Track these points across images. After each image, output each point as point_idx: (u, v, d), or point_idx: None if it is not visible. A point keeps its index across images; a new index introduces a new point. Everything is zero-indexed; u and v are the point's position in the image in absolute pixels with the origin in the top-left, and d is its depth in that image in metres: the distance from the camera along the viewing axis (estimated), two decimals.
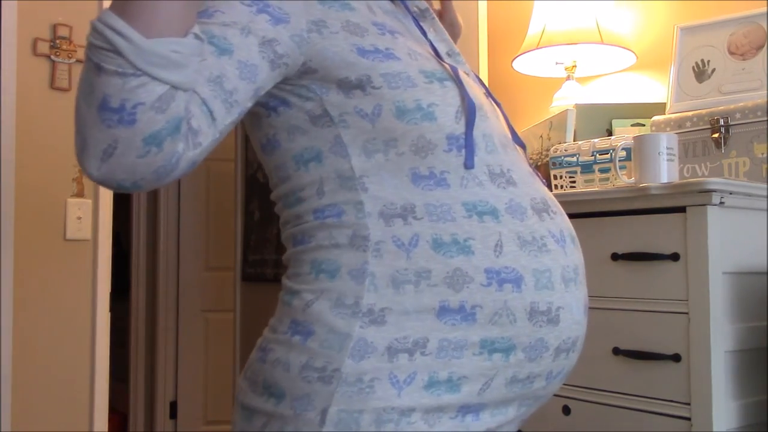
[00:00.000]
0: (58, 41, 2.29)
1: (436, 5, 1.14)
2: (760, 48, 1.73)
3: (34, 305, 2.23)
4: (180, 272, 3.88)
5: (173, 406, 3.83)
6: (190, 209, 3.91)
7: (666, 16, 2.09)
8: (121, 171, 0.70)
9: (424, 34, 0.94)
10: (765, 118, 1.55)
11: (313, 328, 0.79)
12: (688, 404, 1.31)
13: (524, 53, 2.13)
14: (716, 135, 1.61)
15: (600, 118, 1.90)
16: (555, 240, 0.85)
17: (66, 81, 2.31)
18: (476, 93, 0.88)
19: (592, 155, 1.60)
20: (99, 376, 2.34)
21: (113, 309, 2.44)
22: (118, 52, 0.67)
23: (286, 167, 0.86)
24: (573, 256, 0.88)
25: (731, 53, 1.77)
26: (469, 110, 0.84)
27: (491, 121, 0.88)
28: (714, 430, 1.28)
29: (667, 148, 1.40)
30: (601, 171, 1.59)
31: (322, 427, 0.76)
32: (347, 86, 0.82)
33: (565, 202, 1.47)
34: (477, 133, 0.84)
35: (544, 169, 1.82)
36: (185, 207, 3.91)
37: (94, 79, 0.68)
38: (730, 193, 1.33)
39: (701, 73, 1.81)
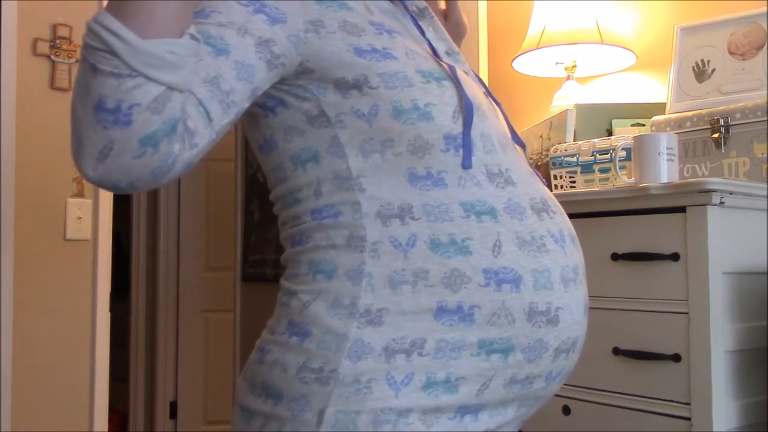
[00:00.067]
0: (58, 41, 2.29)
1: (441, 5, 1.14)
2: (760, 48, 1.73)
3: (34, 305, 2.23)
4: (180, 272, 3.88)
5: (173, 406, 3.83)
6: (190, 209, 3.92)
7: (666, 16, 2.09)
8: (117, 172, 0.70)
9: (423, 33, 0.93)
10: (765, 118, 1.55)
11: (310, 329, 0.79)
12: (688, 404, 1.31)
13: (524, 53, 2.13)
14: (716, 135, 1.61)
15: (600, 118, 1.90)
16: (554, 240, 0.85)
17: (66, 81, 2.31)
18: (475, 92, 0.88)
19: (592, 155, 1.60)
20: (99, 376, 2.34)
21: (113, 309, 2.44)
22: (113, 53, 0.67)
23: (284, 168, 0.86)
24: (573, 256, 0.87)
25: (731, 53, 1.77)
26: (466, 110, 0.83)
27: (490, 121, 0.88)
28: (714, 430, 1.28)
29: (667, 148, 1.40)
30: (601, 171, 1.59)
31: (320, 427, 0.76)
32: (344, 86, 0.82)
33: (565, 202, 1.47)
34: (475, 132, 0.84)
35: (544, 169, 1.82)
36: (185, 207, 3.91)
37: (89, 79, 0.68)
38: (730, 193, 1.33)
39: (701, 73, 1.81)
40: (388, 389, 0.77)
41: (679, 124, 1.68)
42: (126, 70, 0.67)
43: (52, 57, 2.29)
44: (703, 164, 1.64)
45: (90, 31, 0.68)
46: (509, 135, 0.93)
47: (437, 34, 0.99)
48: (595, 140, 1.62)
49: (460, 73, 0.89)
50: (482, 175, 0.83)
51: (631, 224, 1.41)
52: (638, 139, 1.42)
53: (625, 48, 2.03)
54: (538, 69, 2.25)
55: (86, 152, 0.69)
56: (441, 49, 0.96)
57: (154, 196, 3.93)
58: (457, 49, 0.99)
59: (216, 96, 0.74)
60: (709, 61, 1.80)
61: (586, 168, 1.62)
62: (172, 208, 3.90)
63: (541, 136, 1.91)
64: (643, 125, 1.86)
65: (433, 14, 1.00)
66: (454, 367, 0.78)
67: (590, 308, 1.34)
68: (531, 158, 1.92)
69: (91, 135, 0.68)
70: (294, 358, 0.79)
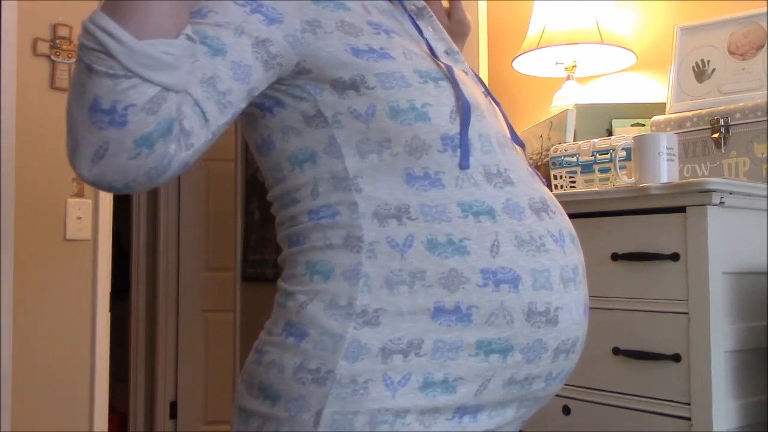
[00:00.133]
0: (58, 41, 2.29)
1: (445, 3, 1.13)
2: (760, 48, 1.73)
3: (34, 305, 2.23)
4: (180, 272, 3.88)
5: (173, 406, 3.83)
6: (190, 209, 3.92)
7: (666, 16, 2.09)
8: (113, 172, 0.70)
9: (421, 33, 0.93)
10: (765, 118, 1.55)
11: (307, 329, 0.79)
12: (688, 404, 1.31)
13: (524, 53, 2.13)
14: (716, 135, 1.61)
15: (600, 118, 1.90)
16: (554, 240, 0.85)
17: (66, 81, 2.31)
18: (473, 92, 0.88)
19: (592, 155, 1.60)
20: (99, 376, 2.34)
21: (113, 309, 2.44)
22: (108, 54, 0.67)
23: (281, 168, 0.86)
24: (572, 255, 0.87)
25: (731, 53, 1.77)
26: (463, 110, 0.83)
27: (488, 121, 0.87)
28: (714, 430, 1.28)
29: (667, 148, 1.40)
30: (601, 171, 1.59)
31: (317, 428, 0.76)
32: (341, 86, 0.82)
33: (565, 202, 1.47)
34: (473, 133, 0.84)
35: (544, 169, 1.82)
36: (185, 207, 3.91)
37: (85, 80, 0.68)
38: (730, 193, 1.33)
39: (701, 73, 1.81)
40: (385, 390, 0.76)
41: (679, 124, 1.68)
42: (121, 71, 0.67)
43: (52, 57, 2.29)
44: (703, 164, 1.63)
45: (85, 31, 0.68)
46: (508, 135, 0.93)
47: (436, 33, 0.98)
48: (595, 140, 1.62)
49: (458, 72, 0.89)
50: (480, 176, 0.83)
51: (631, 224, 1.41)
52: (638, 139, 1.42)
53: (625, 48, 2.03)
54: (538, 69, 2.25)
55: (81, 153, 0.69)
56: (440, 48, 0.96)
57: (154, 196, 3.93)
58: (456, 48, 0.99)
59: (212, 96, 0.74)
60: (709, 61, 1.80)
61: (586, 168, 1.62)
62: (172, 208, 3.90)
63: (541, 136, 1.91)
64: (643, 125, 1.86)
65: (432, 14, 1.00)
66: (452, 368, 0.78)
67: (590, 308, 1.34)
68: (531, 158, 1.92)
69: (87, 135, 0.68)
70: (291, 359, 0.79)
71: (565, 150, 1.67)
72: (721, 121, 1.60)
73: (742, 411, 1.34)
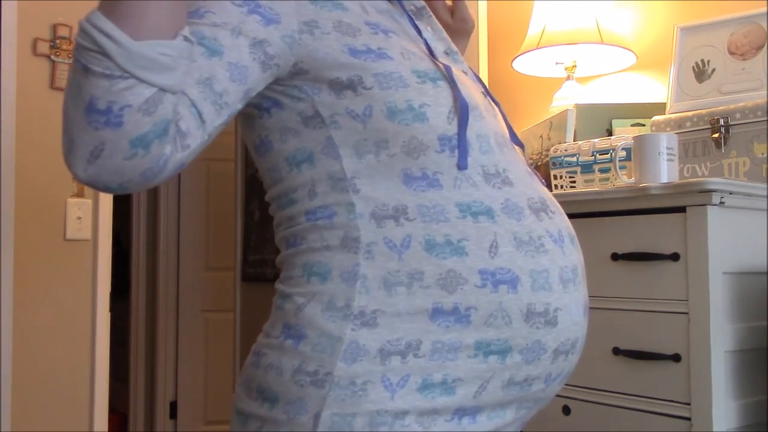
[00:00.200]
0: (58, 41, 2.29)
1: (449, 1, 1.13)
2: (760, 48, 1.73)
3: (34, 305, 2.23)
4: (180, 272, 3.88)
5: (173, 406, 3.83)
6: (190, 209, 3.92)
7: (666, 16, 2.09)
8: (108, 173, 0.69)
9: (420, 33, 0.93)
10: (765, 118, 1.55)
11: (305, 331, 0.79)
12: (688, 404, 1.31)
13: (524, 53, 2.13)
14: (716, 135, 1.61)
15: (600, 118, 1.90)
16: (553, 240, 0.84)
17: (66, 81, 2.31)
18: (472, 92, 0.88)
19: (592, 155, 1.60)
20: (99, 376, 2.34)
21: (113, 309, 2.44)
22: (105, 54, 0.66)
23: (279, 169, 0.86)
24: (572, 256, 0.87)
25: (731, 53, 1.77)
26: (461, 111, 0.83)
27: (487, 121, 0.87)
28: (714, 430, 1.28)
29: (667, 148, 1.40)
30: (601, 171, 1.59)
31: (316, 429, 0.76)
32: (338, 87, 0.81)
33: (565, 202, 1.47)
34: (471, 133, 0.84)
35: (544, 169, 1.82)
36: (185, 207, 3.91)
37: (81, 80, 0.68)
38: (730, 193, 1.33)
39: (701, 73, 1.81)
40: (383, 391, 0.76)
41: (679, 124, 1.68)
42: (118, 72, 0.66)
43: (52, 57, 2.29)
44: (703, 164, 1.63)
45: (82, 31, 0.67)
46: (507, 135, 0.92)
47: (435, 33, 0.98)
48: (595, 140, 1.62)
49: (457, 72, 0.89)
50: (478, 176, 0.83)
51: (631, 224, 1.41)
52: (638, 139, 1.42)
53: (625, 48, 2.03)
54: (538, 69, 2.25)
55: (77, 152, 0.69)
56: (439, 48, 0.96)
57: (154, 196, 3.93)
58: (455, 48, 0.99)
59: (209, 97, 0.74)
60: (709, 61, 1.80)
61: (586, 168, 1.62)
62: (172, 208, 3.90)
63: (541, 136, 1.91)
64: (643, 125, 1.86)
65: (431, 13, 1.00)
66: (451, 369, 0.78)
67: (590, 308, 1.34)
68: (531, 158, 1.92)
69: (82, 135, 0.68)
70: (289, 361, 0.78)
71: (565, 150, 1.67)
72: (721, 121, 1.60)
73: (742, 411, 1.34)
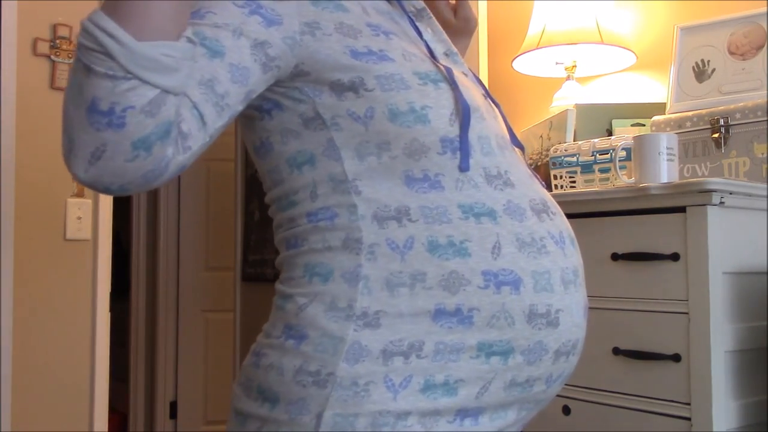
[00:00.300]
0: (58, 41, 2.29)
1: (452, 0, 1.13)
2: (760, 48, 1.73)
3: (34, 305, 2.23)
4: (180, 272, 3.88)
5: (173, 406, 3.83)
6: (190, 209, 3.92)
7: (666, 16, 2.09)
8: (109, 174, 0.69)
9: (420, 34, 0.93)
10: (765, 118, 1.55)
11: (307, 332, 0.78)
12: (688, 404, 1.31)
13: (524, 53, 2.13)
14: (716, 135, 1.61)
15: (600, 118, 1.90)
16: (554, 241, 0.84)
17: (66, 81, 2.31)
18: (473, 94, 0.87)
19: (592, 155, 1.60)
20: (99, 376, 2.34)
21: (113, 309, 2.44)
22: (108, 54, 0.66)
23: (280, 170, 0.85)
24: (572, 257, 0.87)
25: (731, 53, 1.77)
26: (463, 113, 0.83)
27: (488, 123, 0.87)
28: (714, 430, 1.28)
29: (667, 148, 1.40)
30: (601, 171, 1.59)
31: (318, 429, 0.75)
32: (340, 88, 0.81)
33: (565, 202, 1.47)
34: (472, 135, 0.83)
35: (544, 169, 1.82)
36: (185, 207, 3.91)
37: (83, 80, 0.67)
38: (730, 193, 1.33)
39: (701, 73, 1.81)
40: (386, 392, 0.76)
41: (679, 124, 1.68)
42: (121, 72, 0.66)
43: (52, 57, 2.29)
44: (703, 164, 1.63)
45: (84, 31, 0.67)
46: (508, 137, 0.92)
47: (435, 35, 0.98)
48: (595, 140, 1.62)
49: (457, 74, 0.89)
50: (480, 178, 0.82)
51: (631, 224, 1.41)
52: (638, 139, 1.42)
53: (625, 48, 2.03)
54: (538, 69, 2.25)
55: (77, 153, 0.68)
56: (439, 50, 0.95)
57: (154, 196, 3.93)
58: (455, 49, 0.98)
59: (210, 99, 0.73)
60: (709, 61, 1.80)
61: (586, 168, 1.62)
62: (172, 208, 3.90)
63: (541, 136, 1.91)
64: (643, 125, 1.86)
65: (432, 15, 1.00)
66: (453, 370, 0.78)
67: (590, 308, 1.34)
68: (531, 158, 1.92)
69: (83, 136, 0.67)
70: (290, 362, 0.78)
71: (565, 150, 1.67)
72: (721, 121, 1.60)
73: (742, 411, 1.34)
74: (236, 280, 3.51)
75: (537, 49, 2.08)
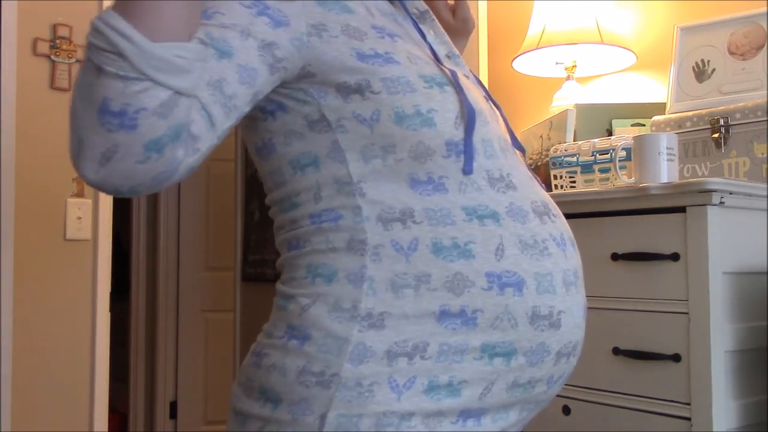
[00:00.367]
0: (58, 41, 2.29)
1: (451, 1, 1.13)
2: (760, 48, 1.73)
3: (34, 305, 2.23)
4: (180, 272, 3.87)
5: (173, 406, 3.83)
6: (190, 209, 3.91)
7: (666, 16, 2.09)
8: (119, 176, 0.68)
9: (424, 37, 0.93)
10: (765, 118, 1.55)
11: (310, 332, 0.78)
12: (688, 404, 1.31)
13: (524, 53, 2.13)
14: (716, 135, 1.61)
15: (600, 118, 1.90)
16: (556, 243, 0.85)
17: (66, 81, 2.31)
18: (476, 97, 0.88)
19: (592, 155, 1.60)
20: (99, 376, 2.34)
21: (113, 309, 2.43)
22: (120, 55, 0.65)
23: (282, 172, 0.85)
24: (573, 259, 0.87)
25: (731, 53, 1.77)
26: (468, 116, 0.83)
27: (491, 126, 0.87)
28: (714, 430, 1.28)
29: (667, 148, 1.40)
30: (601, 171, 1.59)
31: (322, 429, 0.75)
32: (346, 91, 0.81)
33: (565, 202, 1.47)
34: (476, 138, 0.83)
35: (544, 169, 1.82)
36: (185, 207, 3.91)
37: (93, 80, 0.66)
38: (730, 193, 1.33)
39: (701, 73, 1.81)
40: (390, 393, 0.76)
41: (679, 124, 1.68)
42: (133, 73, 0.65)
43: (52, 57, 2.28)
44: (703, 164, 1.64)
45: (95, 30, 0.66)
46: (509, 139, 0.93)
47: (438, 37, 0.98)
48: (595, 140, 1.62)
49: (461, 78, 0.88)
50: (483, 180, 0.83)
51: (631, 224, 1.41)
52: (638, 139, 1.42)
53: (625, 48, 2.03)
54: (538, 69, 2.25)
55: (87, 154, 0.67)
56: (441, 52, 0.95)
57: (154, 196, 3.93)
58: (457, 51, 0.99)
59: (219, 100, 0.73)
60: (709, 61, 1.80)
61: (586, 168, 1.62)
62: (172, 208, 3.90)
63: (541, 136, 1.91)
64: (643, 125, 1.86)
65: (434, 17, 1.00)
66: (457, 371, 0.78)
67: (590, 308, 1.34)
68: (531, 158, 1.92)
69: (94, 137, 0.66)
70: (293, 362, 0.78)
71: (565, 150, 1.67)
72: (721, 121, 1.60)
73: (742, 411, 1.34)
74: (236, 280, 3.51)
75: (537, 49, 2.08)
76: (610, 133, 1.89)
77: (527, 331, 0.80)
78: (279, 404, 0.78)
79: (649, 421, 1.36)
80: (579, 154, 1.63)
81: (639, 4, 2.16)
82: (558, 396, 1.50)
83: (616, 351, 1.41)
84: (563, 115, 1.83)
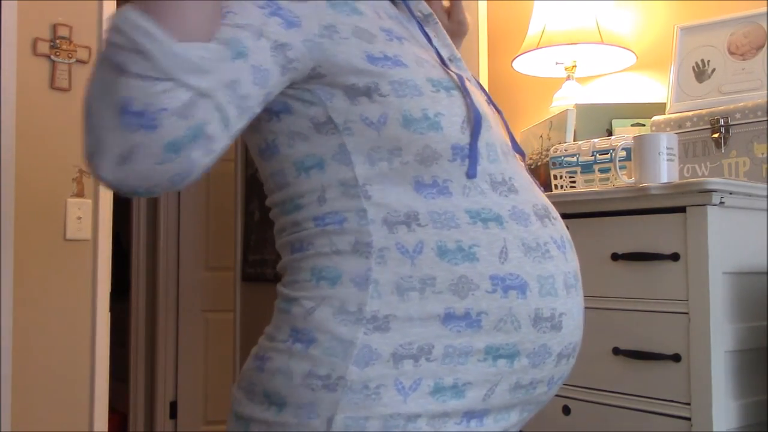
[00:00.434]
0: (58, 41, 2.29)
1: (446, 3, 1.13)
2: (760, 48, 1.73)
3: (34, 305, 2.23)
4: (180, 272, 3.87)
5: (173, 406, 3.83)
6: (190, 209, 3.91)
7: (666, 16, 2.09)
8: (137, 177, 0.67)
9: (429, 40, 0.93)
10: (765, 118, 1.55)
11: (315, 335, 0.78)
12: (688, 404, 1.31)
13: (524, 53, 2.13)
14: (716, 135, 1.61)
15: (600, 118, 1.90)
16: (557, 246, 0.85)
17: (66, 81, 2.31)
18: (480, 101, 0.88)
19: (592, 155, 1.61)
20: (99, 376, 2.35)
21: (113, 309, 2.44)
22: (143, 54, 0.64)
23: (285, 173, 0.84)
24: (572, 262, 0.88)
25: (731, 53, 1.77)
26: (475, 121, 0.83)
27: (494, 130, 0.87)
28: (714, 430, 1.28)
29: (667, 148, 1.40)
30: (601, 171, 1.59)
31: (329, 431, 0.75)
32: (354, 93, 0.80)
33: (565, 202, 1.47)
34: (481, 142, 0.84)
35: (543, 169, 1.82)
36: (185, 207, 3.91)
37: (112, 79, 0.65)
38: (730, 193, 1.33)
39: (701, 73, 1.81)
40: (397, 395, 0.76)
41: (679, 124, 1.68)
42: (155, 73, 0.64)
43: (52, 57, 2.29)
44: (703, 164, 1.64)
45: (115, 28, 0.65)
46: (510, 143, 0.93)
47: (441, 40, 0.98)
48: (595, 140, 1.62)
49: (466, 82, 0.89)
50: (486, 184, 0.83)
51: (631, 224, 1.41)
52: (638, 139, 1.43)
53: (625, 48, 2.03)
54: (538, 69, 2.25)
55: (105, 155, 0.66)
56: (444, 55, 0.95)
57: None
58: (459, 55, 0.99)
59: (233, 101, 0.72)
60: (709, 61, 1.80)
61: (586, 168, 1.62)
62: (172, 208, 3.90)
63: (541, 136, 1.91)
64: (643, 125, 1.86)
65: (438, 20, 1.00)
66: (462, 373, 0.78)
67: (590, 308, 1.34)
68: (531, 158, 1.92)
69: (112, 137, 0.65)
70: (298, 365, 0.78)
71: (565, 150, 1.67)
72: (721, 121, 1.60)
73: (742, 411, 1.34)
74: (236, 280, 3.51)
75: (537, 49, 2.08)
76: (610, 133, 1.89)
77: (530, 333, 0.81)
78: (284, 408, 0.78)
79: (649, 421, 1.36)
80: (579, 154, 1.63)
81: (639, 4, 2.16)
82: (558, 396, 1.50)
83: (616, 351, 1.41)
84: (563, 115, 1.83)
